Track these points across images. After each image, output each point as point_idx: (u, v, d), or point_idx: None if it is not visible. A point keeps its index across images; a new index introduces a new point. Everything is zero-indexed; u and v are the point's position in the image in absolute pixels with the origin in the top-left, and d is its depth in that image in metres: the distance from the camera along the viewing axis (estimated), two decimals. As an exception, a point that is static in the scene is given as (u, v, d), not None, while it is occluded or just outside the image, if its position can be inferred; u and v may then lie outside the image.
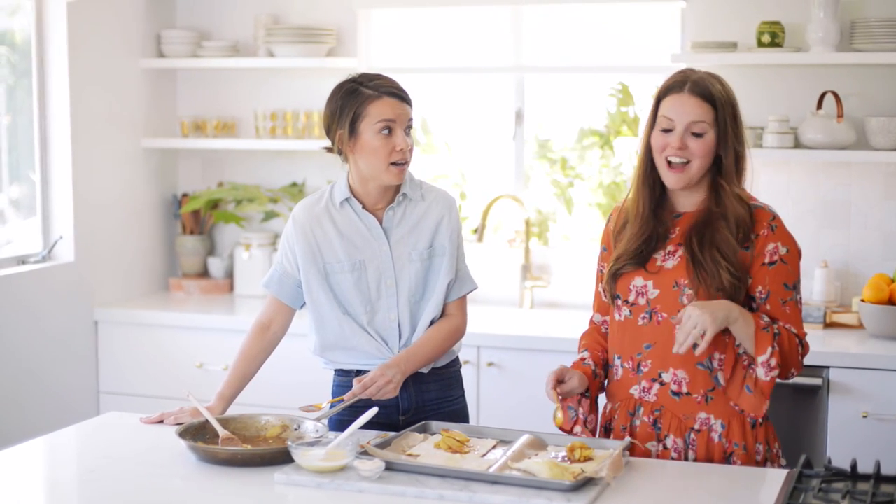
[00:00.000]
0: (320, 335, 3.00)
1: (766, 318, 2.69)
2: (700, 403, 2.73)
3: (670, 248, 2.77)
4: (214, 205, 4.98)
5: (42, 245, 4.52)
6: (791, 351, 2.69)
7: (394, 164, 2.88)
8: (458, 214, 3.03)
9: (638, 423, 2.78)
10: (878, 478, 2.36)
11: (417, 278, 2.97)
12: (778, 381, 2.69)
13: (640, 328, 2.77)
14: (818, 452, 3.76)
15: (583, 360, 2.88)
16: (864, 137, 4.19)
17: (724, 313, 2.61)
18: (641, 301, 2.77)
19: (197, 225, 5.03)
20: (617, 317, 2.83)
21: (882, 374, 3.72)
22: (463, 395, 3.13)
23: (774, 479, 2.49)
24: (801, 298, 2.77)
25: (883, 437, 3.70)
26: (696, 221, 2.76)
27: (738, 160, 2.76)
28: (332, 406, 2.93)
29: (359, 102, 2.86)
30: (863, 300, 4.03)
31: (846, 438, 3.73)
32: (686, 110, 2.72)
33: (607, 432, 2.85)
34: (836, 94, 4.15)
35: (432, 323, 2.98)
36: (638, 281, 2.78)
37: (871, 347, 3.84)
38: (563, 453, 2.57)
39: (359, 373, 2.97)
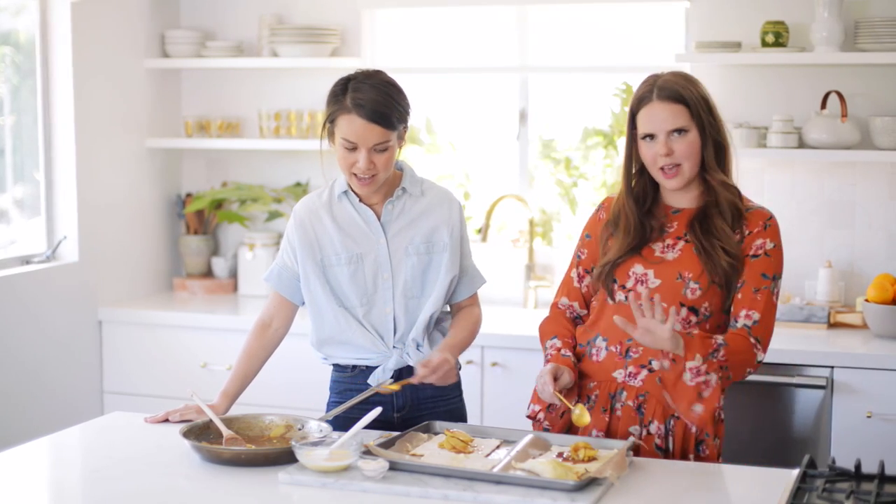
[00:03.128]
0: (317, 329, 3.01)
1: (719, 339, 2.70)
2: None
3: (669, 241, 2.83)
4: (218, 205, 4.98)
5: (46, 245, 4.52)
6: (741, 348, 2.72)
7: (355, 175, 2.89)
8: (459, 211, 3.03)
9: (619, 406, 2.80)
10: (882, 478, 2.36)
11: (414, 273, 2.97)
12: (744, 381, 2.80)
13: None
14: (822, 452, 3.76)
15: (559, 350, 2.87)
16: (869, 137, 4.19)
17: (670, 347, 2.65)
18: (640, 288, 2.78)
19: (201, 225, 5.03)
20: (609, 301, 2.85)
21: (886, 374, 3.72)
22: (461, 395, 3.12)
23: (778, 479, 2.49)
24: (778, 292, 2.81)
25: (887, 437, 3.69)
26: (696, 214, 2.82)
27: (718, 151, 2.82)
28: (401, 387, 2.91)
29: (335, 108, 2.88)
30: (867, 300, 4.03)
31: (850, 438, 3.73)
32: (663, 117, 2.78)
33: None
34: (840, 94, 4.14)
35: (432, 318, 2.99)
36: (638, 268, 2.82)
37: (875, 347, 3.84)
38: (567, 453, 2.57)
39: (354, 368, 3.00)
